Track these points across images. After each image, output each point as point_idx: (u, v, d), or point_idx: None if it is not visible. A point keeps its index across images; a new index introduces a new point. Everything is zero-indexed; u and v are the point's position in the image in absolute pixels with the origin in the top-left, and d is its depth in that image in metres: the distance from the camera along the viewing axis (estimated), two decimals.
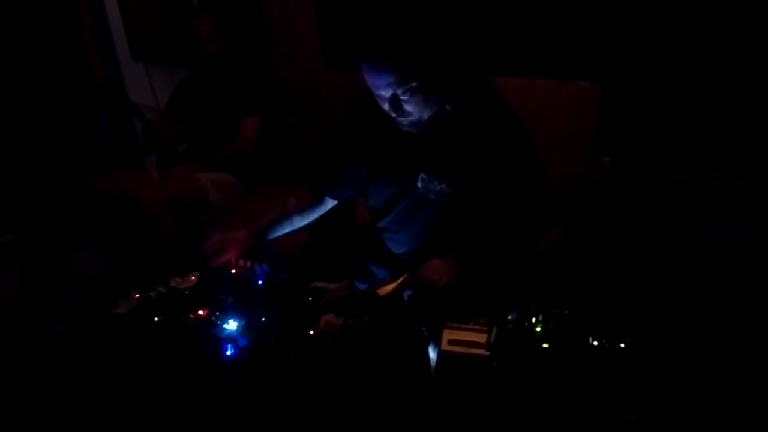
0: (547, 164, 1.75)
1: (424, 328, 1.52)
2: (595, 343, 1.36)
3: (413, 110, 1.59)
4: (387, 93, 1.56)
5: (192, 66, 3.08)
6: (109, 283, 2.81)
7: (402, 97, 1.56)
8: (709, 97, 2.06)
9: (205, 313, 1.51)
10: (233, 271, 1.73)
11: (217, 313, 1.50)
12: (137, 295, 1.58)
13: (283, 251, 1.96)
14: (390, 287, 1.59)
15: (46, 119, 3.26)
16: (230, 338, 1.40)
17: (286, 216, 1.89)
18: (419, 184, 1.70)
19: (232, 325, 1.44)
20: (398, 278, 1.61)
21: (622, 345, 1.35)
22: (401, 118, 1.61)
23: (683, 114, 2.13)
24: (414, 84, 1.54)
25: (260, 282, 1.65)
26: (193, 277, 1.69)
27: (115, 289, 1.68)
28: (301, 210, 1.90)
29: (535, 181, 1.69)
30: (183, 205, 2.69)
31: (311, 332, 1.39)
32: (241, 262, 1.74)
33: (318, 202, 1.90)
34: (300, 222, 1.90)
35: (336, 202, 1.91)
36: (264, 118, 2.88)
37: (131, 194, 2.61)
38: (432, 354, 1.50)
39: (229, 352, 1.36)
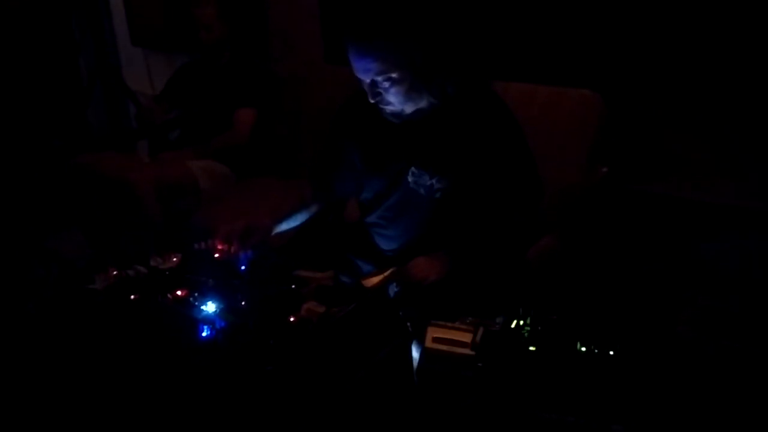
0: (544, 170, 1.73)
1: (408, 325, 1.49)
2: (583, 348, 1.33)
3: (394, 101, 1.58)
4: (366, 78, 1.55)
5: (192, 53, 3.05)
6: (92, 264, 2.75)
7: (381, 85, 1.55)
8: (708, 110, 2.04)
9: (183, 294, 1.47)
10: (216, 255, 1.68)
11: (196, 294, 1.45)
12: (114, 272, 1.54)
13: (271, 239, 1.91)
14: (376, 279, 1.55)
15: (37, 101, 3.22)
16: (207, 320, 1.35)
17: (305, 205, 1.84)
18: (410, 179, 1.67)
19: (210, 307, 1.40)
20: (385, 271, 1.57)
21: (611, 352, 1.31)
22: (382, 106, 1.60)
23: (683, 126, 2.11)
24: (394, 75, 1.53)
25: (243, 267, 1.61)
26: (174, 258, 1.65)
27: (94, 268, 1.63)
28: (315, 200, 1.86)
29: (527, 180, 1.67)
30: (171, 191, 2.64)
31: (292, 319, 1.35)
32: (226, 246, 1.69)
33: (322, 197, 1.87)
34: (316, 209, 1.86)
35: (339, 197, 1.87)
36: (260, 109, 2.84)
37: (119, 175, 2.57)
38: (415, 352, 1.46)
39: (205, 333, 1.32)
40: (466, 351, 1.36)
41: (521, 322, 1.40)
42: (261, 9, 3.09)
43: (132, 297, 1.47)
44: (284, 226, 1.80)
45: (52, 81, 3.27)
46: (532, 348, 1.34)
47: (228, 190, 2.77)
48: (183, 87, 2.99)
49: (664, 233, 1.97)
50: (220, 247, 1.68)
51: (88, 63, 3.74)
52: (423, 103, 1.61)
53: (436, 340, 1.38)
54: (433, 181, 1.64)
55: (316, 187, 1.87)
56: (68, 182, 2.73)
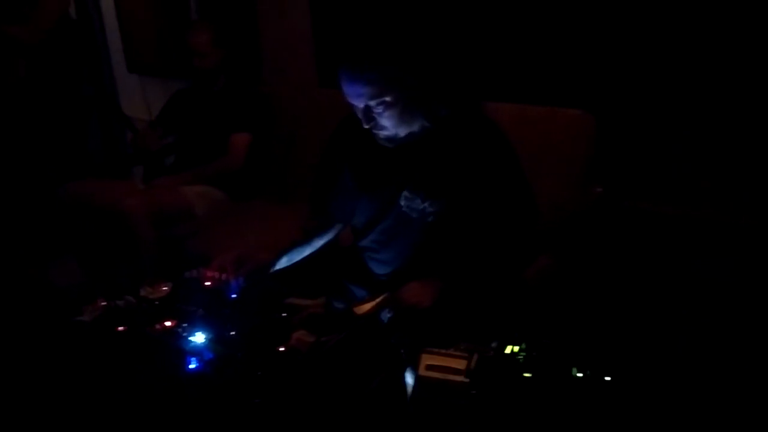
0: (537, 192, 1.71)
1: (402, 352, 1.46)
2: (579, 374, 1.30)
3: (388, 125, 1.57)
4: (359, 104, 1.55)
5: (186, 79, 3.05)
6: (84, 294, 2.73)
7: (375, 110, 1.54)
8: (702, 127, 2.03)
9: (172, 324, 1.44)
10: (207, 283, 1.66)
11: (185, 325, 1.43)
12: (103, 303, 1.52)
13: (262, 265, 1.89)
14: (368, 306, 1.53)
15: (36, 130, 3.23)
16: (195, 351, 1.33)
17: (307, 240, 1.82)
18: (402, 202, 1.65)
19: (198, 338, 1.38)
20: (377, 297, 1.55)
21: (607, 378, 1.28)
22: (376, 131, 1.59)
23: (677, 144, 2.10)
24: (387, 99, 1.52)
25: (234, 295, 1.59)
26: (164, 288, 1.62)
27: (85, 298, 1.61)
28: (318, 231, 1.85)
29: (520, 202, 1.65)
30: (166, 217, 2.63)
31: (281, 348, 1.32)
32: (216, 274, 1.67)
33: (326, 223, 1.85)
34: (319, 242, 1.84)
35: (338, 221, 1.85)
36: (255, 134, 2.84)
37: (112, 203, 2.55)
38: (409, 379, 1.43)
39: (192, 366, 1.29)
40: (461, 378, 1.33)
41: (516, 348, 1.37)
42: (255, 35, 3.10)
43: (119, 329, 1.45)
44: (285, 261, 1.78)
45: (50, 109, 3.27)
46: (527, 374, 1.32)
47: (223, 215, 2.76)
48: (178, 113, 3.00)
49: (659, 251, 1.95)
50: (210, 275, 1.66)
51: (85, 90, 3.75)
52: (416, 127, 1.60)
53: (429, 367, 1.35)
54: (426, 204, 1.62)
55: (315, 212, 1.86)
56: (62, 210, 2.72)
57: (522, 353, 1.36)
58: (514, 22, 2.29)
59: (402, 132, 1.59)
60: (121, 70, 3.91)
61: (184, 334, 1.40)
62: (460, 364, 1.35)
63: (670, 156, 2.10)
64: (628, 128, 2.17)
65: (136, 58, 3.78)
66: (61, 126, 3.39)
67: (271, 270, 1.74)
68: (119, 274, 2.71)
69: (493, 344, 1.47)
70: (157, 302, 1.57)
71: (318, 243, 1.85)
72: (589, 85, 2.17)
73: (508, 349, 1.37)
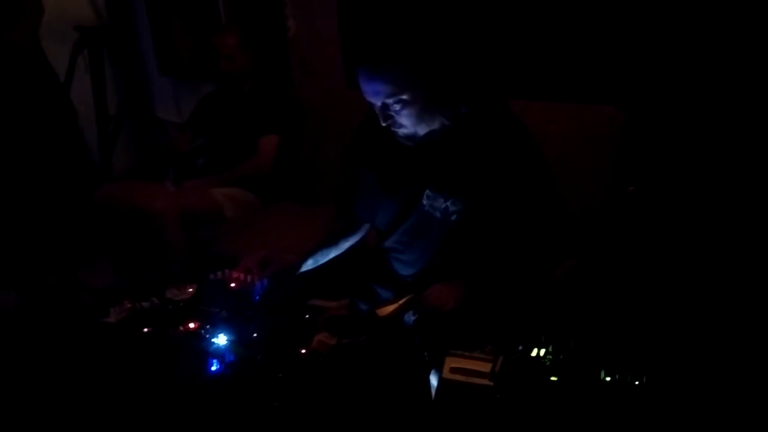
0: (566, 191, 1.68)
1: (425, 354, 1.44)
2: (608, 378, 1.26)
3: (406, 123, 1.55)
4: (377, 101, 1.53)
5: (215, 81, 3.08)
6: (115, 295, 2.77)
7: (393, 108, 1.52)
8: (739, 126, 1.96)
9: (195, 326, 1.45)
10: (232, 284, 1.67)
11: (208, 327, 1.43)
12: (129, 305, 1.53)
13: (288, 266, 1.88)
14: (391, 308, 1.51)
15: (66, 133, 3.30)
16: (217, 353, 1.33)
17: (333, 242, 1.82)
18: (424, 202, 1.63)
19: (221, 340, 1.38)
20: (400, 299, 1.53)
21: (637, 382, 1.24)
22: (395, 130, 1.58)
23: (713, 142, 2.03)
24: (405, 97, 1.50)
25: (257, 297, 1.59)
26: (190, 289, 1.63)
27: (114, 300, 1.63)
28: (345, 233, 1.84)
29: (546, 201, 1.61)
30: (196, 219, 2.65)
31: (302, 351, 1.32)
32: (241, 276, 1.68)
33: (352, 224, 1.84)
34: (346, 244, 1.83)
35: (364, 222, 1.84)
36: (283, 136, 2.85)
37: (143, 205, 2.59)
38: (433, 382, 1.41)
39: (213, 368, 1.29)
40: (485, 381, 1.30)
41: (542, 351, 1.34)
42: (283, 37, 3.11)
43: (144, 330, 1.46)
44: (311, 264, 1.77)
45: (70, 113, 3.34)
46: (553, 378, 1.28)
47: (252, 217, 2.78)
48: (207, 115, 3.03)
49: (691, 251, 1.88)
50: (235, 276, 1.66)
51: (117, 94, 3.82)
52: (436, 125, 1.57)
53: (453, 370, 1.33)
54: (448, 203, 1.60)
55: (341, 213, 1.85)
56: (95, 213, 2.77)
57: (548, 356, 1.32)
58: (539, 18, 2.25)
59: (421, 130, 1.57)
60: (154, 74, 3.97)
61: (207, 336, 1.40)
62: (485, 367, 1.32)
63: (705, 154, 2.03)
64: (663, 125, 2.11)
65: (168, 62, 3.83)
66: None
67: (297, 272, 1.74)
68: (150, 275, 2.74)
69: (520, 347, 1.44)
70: (181, 304, 1.58)
71: (344, 245, 1.84)
72: (622, 81, 2.12)
73: (534, 352, 1.34)
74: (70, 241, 3.19)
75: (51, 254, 3.13)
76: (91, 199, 2.80)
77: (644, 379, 1.24)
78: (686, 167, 2.05)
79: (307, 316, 1.48)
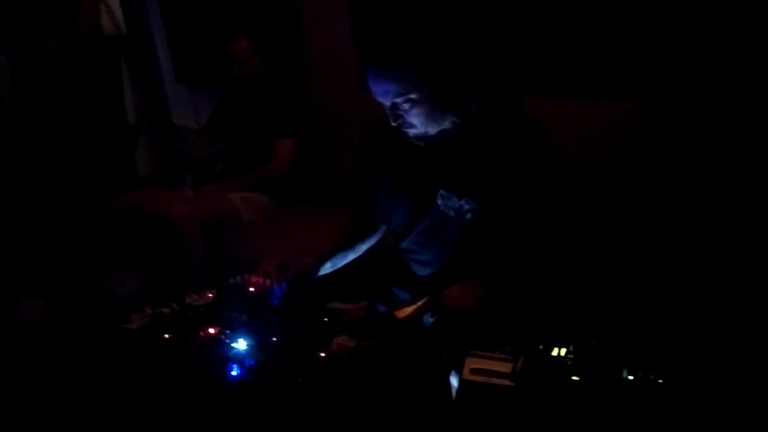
0: (584, 188, 1.65)
1: (444, 355, 1.43)
2: (631, 377, 1.24)
3: (416, 122, 1.54)
4: (386, 101, 1.53)
5: (231, 86, 3.10)
6: (138, 301, 2.80)
7: (402, 107, 1.51)
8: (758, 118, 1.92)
9: (215, 332, 1.45)
10: (251, 289, 1.67)
11: (228, 332, 1.44)
12: (150, 311, 1.54)
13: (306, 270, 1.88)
14: (409, 310, 1.50)
15: (86, 141, 3.33)
16: (237, 358, 1.33)
17: (350, 244, 1.82)
18: (439, 201, 1.62)
19: (241, 345, 1.38)
20: (418, 301, 1.52)
21: (661, 381, 1.22)
22: (405, 129, 1.57)
23: (735, 136, 1.99)
24: (413, 96, 1.49)
25: (276, 301, 1.59)
26: (209, 294, 1.65)
27: (137, 306, 1.64)
28: (362, 236, 1.84)
29: (562, 198, 1.59)
30: (214, 224, 2.67)
31: (322, 354, 1.32)
32: (260, 280, 1.68)
33: (370, 227, 1.84)
34: (363, 247, 1.84)
35: (381, 223, 1.84)
36: (299, 140, 2.86)
37: (163, 211, 2.60)
38: (453, 383, 1.41)
39: (234, 373, 1.30)
40: (505, 382, 1.29)
41: (563, 350, 1.32)
42: (296, 40, 3.12)
43: (166, 336, 1.47)
44: (329, 267, 1.77)
45: (100, 121, 3.38)
46: (575, 377, 1.27)
47: (271, 221, 2.79)
48: (223, 120, 3.04)
49: (715, 247, 1.85)
50: (254, 281, 1.67)
51: (135, 100, 3.85)
52: (447, 124, 1.56)
53: (474, 371, 1.32)
54: (462, 202, 1.59)
55: (358, 216, 1.85)
56: (115, 220, 2.80)
57: (570, 355, 1.31)
58: (550, 13, 2.22)
59: (432, 130, 1.56)
60: (170, 80, 4.00)
61: (227, 341, 1.40)
62: (505, 368, 1.31)
63: (727, 149, 2.00)
64: (684, 120, 2.08)
65: (184, 68, 3.86)
66: (111, 136, 3.49)
67: (316, 276, 1.74)
68: (171, 281, 2.76)
69: (540, 346, 1.43)
70: (201, 309, 1.59)
71: (362, 247, 1.84)
72: (640, 76, 2.09)
73: (555, 351, 1.32)
74: (92, 249, 3.22)
75: (73, 262, 3.17)
76: (111, 206, 2.83)
77: (668, 378, 1.22)
78: (705, 162, 2.03)
79: (325, 319, 1.48)
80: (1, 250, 3.01)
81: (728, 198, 1.90)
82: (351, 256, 1.81)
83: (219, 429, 1.23)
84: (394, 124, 1.56)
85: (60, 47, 3.14)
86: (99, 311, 2.81)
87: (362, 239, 1.84)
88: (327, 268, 1.77)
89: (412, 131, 1.57)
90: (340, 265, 1.79)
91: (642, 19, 2.06)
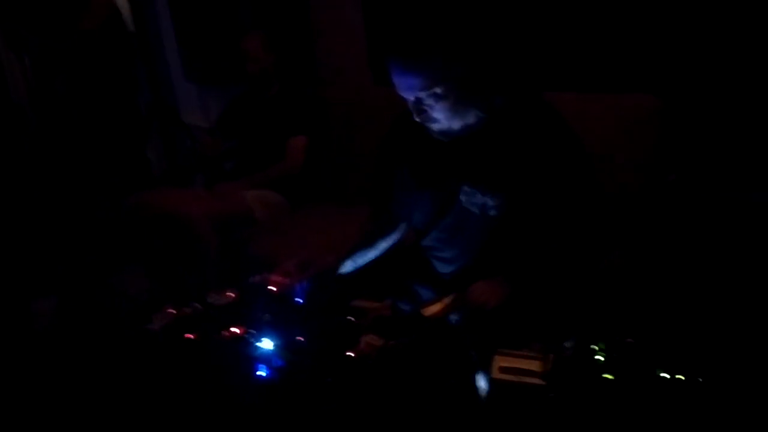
0: (606, 182, 1.63)
1: (473, 354, 1.41)
2: (666, 375, 1.22)
3: (440, 117, 1.53)
4: (409, 96, 1.51)
5: (243, 85, 3.08)
6: (153, 301, 2.78)
7: (426, 102, 1.50)
8: None
9: (240, 331, 1.43)
10: (273, 288, 1.65)
11: (252, 331, 1.42)
12: (171, 311, 1.53)
13: (326, 268, 1.87)
14: (436, 308, 1.48)
15: (97, 140, 3.32)
16: (264, 358, 1.32)
17: (371, 242, 1.80)
18: (462, 197, 1.60)
19: (266, 345, 1.36)
20: (444, 298, 1.50)
21: (699, 379, 1.20)
22: (429, 124, 1.55)
23: (758, 128, 1.97)
24: (438, 90, 1.48)
25: (300, 300, 1.57)
26: (231, 294, 1.63)
27: (154, 306, 1.63)
28: (383, 233, 1.82)
29: (587, 192, 1.57)
30: (228, 223, 2.65)
31: (350, 353, 1.30)
32: (281, 279, 1.66)
33: (390, 224, 1.82)
34: (384, 245, 1.82)
35: (402, 220, 1.82)
36: (311, 137, 2.84)
37: (176, 211, 2.59)
38: (481, 382, 1.39)
39: (262, 373, 1.28)
40: (537, 381, 1.27)
41: (595, 348, 1.30)
42: (308, 37, 3.09)
43: (189, 336, 1.45)
44: (350, 265, 1.75)
45: (112, 120, 3.36)
46: (608, 376, 1.25)
47: (283, 219, 2.77)
48: (235, 119, 3.02)
49: (748, 241, 1.83)
50: (275, 279, 1.65)
51: (145, 100, 3.84)
52: (471, 118, 1.55)
53: (503, 369, 1.31)
54: (486, 198, 1.57)
55: (377, 213, 1.83)
56: (127, 219, 2.78)
57: (602, 353, 1.29)
58: (572, 6, 2.20)
59: (456, 125, 1.55)
60: (179, 79, 3.98)
61: (252, 341, 1.39)
62: (535, 366, 1.30)
63: (749, 139, 1.98)
64: (702, 113, 2.05)
65: (193, 67, 3.84)
66: (122, 135, 3.48)
67: (336, 274, 1.72)
68: (184, 281, 2.74)
69: (567, 343, 1.41)
70: (223, 309, 1.57)
71: (382, 245, 1.82)
72: (660, 68, 2.07)
73: (586, 349, 1.30)
74: (103, 249, 3.21)
75: (84, 260, 3.16)
76: (122, 206, 2.81)
77: (704, 377, 1.20)
78: (727, 154, 2.00)
79: (351, 317, 1.46)
80: (12, 251, 3.00)
81: (755, 187, 1.88)
82: (371, 254, 1.80)
83: (249, 429, 1.21)
84: (417, 119, 1.54)
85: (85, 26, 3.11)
86: (114, 312, 2.79)
87: (382, 236, 1.82)
88: (348, 267, 1.75)
89: (436, 126, 1.55)
90: (361, 263, 1.77)
91: (662, 11, 2.04)
